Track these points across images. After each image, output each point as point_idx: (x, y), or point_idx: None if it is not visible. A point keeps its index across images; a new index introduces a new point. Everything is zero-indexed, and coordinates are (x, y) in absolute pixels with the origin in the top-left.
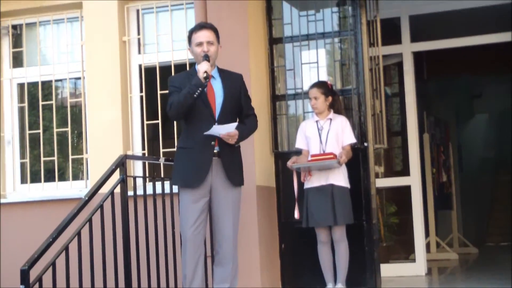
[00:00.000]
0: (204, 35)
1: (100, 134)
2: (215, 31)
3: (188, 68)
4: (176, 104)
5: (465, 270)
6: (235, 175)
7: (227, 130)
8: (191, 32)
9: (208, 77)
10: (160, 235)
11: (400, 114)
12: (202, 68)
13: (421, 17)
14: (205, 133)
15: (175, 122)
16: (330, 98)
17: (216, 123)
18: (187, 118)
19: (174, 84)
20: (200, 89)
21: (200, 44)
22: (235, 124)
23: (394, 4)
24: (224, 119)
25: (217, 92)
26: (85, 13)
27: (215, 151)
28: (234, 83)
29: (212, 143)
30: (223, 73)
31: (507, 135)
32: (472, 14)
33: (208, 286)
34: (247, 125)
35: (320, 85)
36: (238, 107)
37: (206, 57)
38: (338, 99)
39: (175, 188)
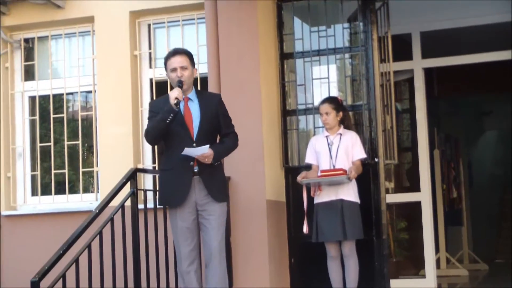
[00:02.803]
0: (177, 61)
1: (110, 147)
2: (189, 56)
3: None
4: (150, 130)
5: (474, 287)
6: (217, 192)
7: (200, 152)
8: (166, 59)
9: (179, 103)
10: (170, 248)
11: (410, 130)
12: (173, 94)
13: (432, 33)
14: (182, 153)
15: None
16: (340, 114)
17: (194, 144)
18: (166, 141)
19: (152, 109)
20: (171, 115)
21: (174, 69)
22: (207, 147)
23: (406, 20)
24: (202, 140)
25: (194, 114)
26: (96, 27)
27: (195, 170)
28: (211, 103)
29: (191, 163)
30: (201, 94)
31: None
32: (484, 31)
33: None
34: (225, 144)
35: (331, 100)
36: (216, 127)
37: (180, 83)
38: (347, 115)
39: None
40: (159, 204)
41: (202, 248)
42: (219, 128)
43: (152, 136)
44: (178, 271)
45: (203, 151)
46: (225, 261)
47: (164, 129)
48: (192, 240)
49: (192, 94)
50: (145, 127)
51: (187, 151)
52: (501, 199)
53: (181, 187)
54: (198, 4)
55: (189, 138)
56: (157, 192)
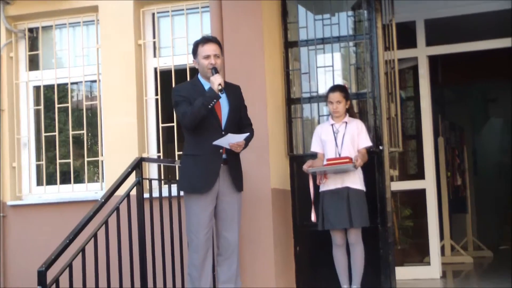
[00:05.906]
0: (211, 49)
1: (115, 137)
2: (219, 45)
3: None
4: (190, 115)
5: (479, 274)
6: (239, 181)
7: (238, 139)
8: (197, 45)
9: (222, 89)
10: (175, 237)
11: (415, 117)
12: (217, 80)
13: (437, 21)
14: (214, 142)
15: None
16: (349, 102)
17: (223, 133)
18: (195, 128)
19: (181, 94)
20: (214, 100)
21: (207, 57)
22: (245, 135)
23: (410, 8)
24: (229, 129)
25: (222, 103)
26: (101, 16)
27: (223, 158)
28: (236, 94)
29: (220, 151)
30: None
31: None
32: (489, 18)
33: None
34: (248, 135)
35: (342, 89)
36: (239, 117)
37: (215, 70)
38: (351, 103)
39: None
40: (181, 189)
41: (217, 239)
42: (240, 119)
43: (191, 120)
44: (190, 261)
45: (240, 139)
46: (239, 254)
47: (205, 114)
48: (209, 229)
49: None
50: (150, 116)
51: (226, 138)
52: (506, 187)
53: (209, 174)
54: None
55: (218, 127)
56: (180, 178)
